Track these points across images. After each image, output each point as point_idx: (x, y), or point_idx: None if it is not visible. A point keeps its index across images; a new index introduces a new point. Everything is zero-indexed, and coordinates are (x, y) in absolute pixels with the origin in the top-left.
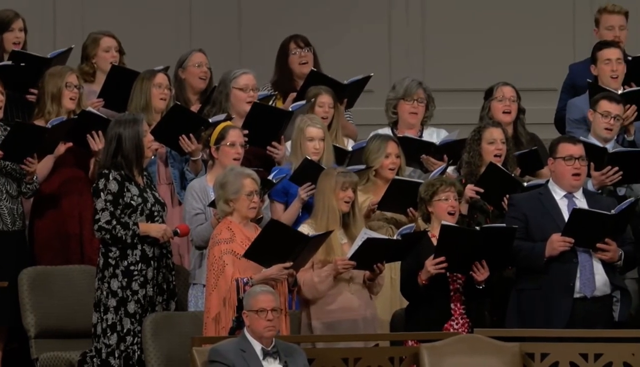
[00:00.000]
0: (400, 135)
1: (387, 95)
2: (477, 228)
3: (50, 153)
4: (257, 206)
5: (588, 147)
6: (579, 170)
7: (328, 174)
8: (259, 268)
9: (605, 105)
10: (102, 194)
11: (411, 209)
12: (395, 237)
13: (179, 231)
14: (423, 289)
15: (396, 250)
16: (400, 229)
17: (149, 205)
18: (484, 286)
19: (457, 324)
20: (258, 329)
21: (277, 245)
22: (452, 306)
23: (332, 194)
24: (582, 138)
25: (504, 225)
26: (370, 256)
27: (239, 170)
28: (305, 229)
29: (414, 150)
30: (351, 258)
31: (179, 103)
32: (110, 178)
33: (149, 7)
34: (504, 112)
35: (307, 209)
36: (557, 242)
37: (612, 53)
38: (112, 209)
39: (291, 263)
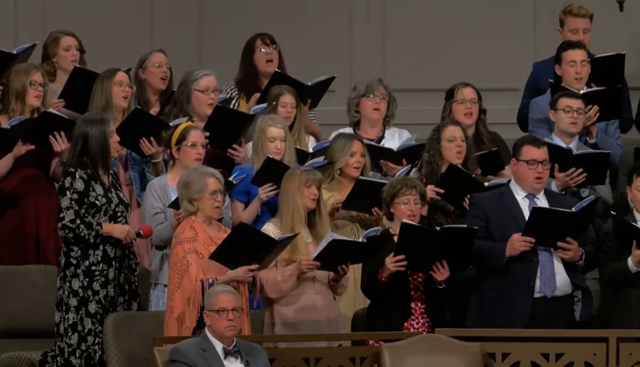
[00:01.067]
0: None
1: (349, 95)
2: (438, 228)
3: (9, 152)
4: (221, 206)
5: (552, 148)
6: (542, 174)
7: (292, 174)
8: (222, 268)
9: (565, 101)
10: (67, 192)
11: (376, 208)
12: (360, 240)
13: (141, 232)
14: (383, 286)
15: (361, 252)
16: (367, 232)
17: (112, 205)
18: (444, 285)
19: (417, 323)
20: (219, 329)
21: (244, 248)
22: (412, 305)
23: (296, 193)
24: (546, 140)
25: (465, 226)
26: (334, 257)
27: (203, 170)
28: (270, 228)
29: (373, 155)
30: (316, 259)
31: (139, 107)
32: (77, 177)
33: (110, 7)
34: (465, 114)
35: (270, 207)
36: (517, 242)
37: (576, 55)
38: (76, 208)
39: (257, 265)
